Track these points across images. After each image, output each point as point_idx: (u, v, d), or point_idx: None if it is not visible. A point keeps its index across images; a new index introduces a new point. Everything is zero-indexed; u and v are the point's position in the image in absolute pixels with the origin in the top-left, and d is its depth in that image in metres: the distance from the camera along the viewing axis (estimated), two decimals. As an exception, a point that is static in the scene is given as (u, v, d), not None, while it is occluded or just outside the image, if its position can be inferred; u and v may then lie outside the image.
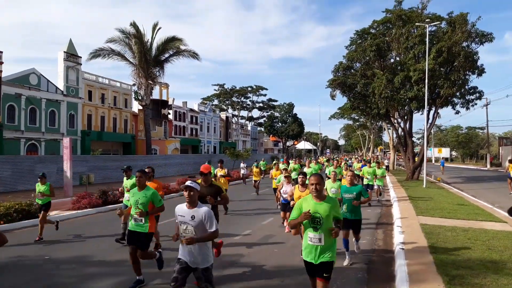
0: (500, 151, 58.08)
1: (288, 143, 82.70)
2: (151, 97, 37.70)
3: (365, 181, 16.31)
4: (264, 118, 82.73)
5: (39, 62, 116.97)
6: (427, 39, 23.26)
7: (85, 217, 12.77)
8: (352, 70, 29.87)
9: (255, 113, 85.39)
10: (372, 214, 13.14)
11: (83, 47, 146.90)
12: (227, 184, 14.82)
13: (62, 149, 26.17)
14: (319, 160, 33.77)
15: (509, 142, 52.75)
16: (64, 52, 35.75)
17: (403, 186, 22.40)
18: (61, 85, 35.47)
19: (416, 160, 28.55)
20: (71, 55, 36.41)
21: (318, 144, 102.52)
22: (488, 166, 51.89)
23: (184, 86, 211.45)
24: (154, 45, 35.67)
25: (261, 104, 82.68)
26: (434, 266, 6.54)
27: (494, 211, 13.16)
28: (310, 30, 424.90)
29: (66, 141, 19.19)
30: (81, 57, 37.31)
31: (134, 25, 33.92)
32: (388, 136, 55.48)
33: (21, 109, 31.58)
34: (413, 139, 36.42)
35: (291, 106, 78.19)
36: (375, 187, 16.62)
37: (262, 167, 24.32)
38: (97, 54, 33.79)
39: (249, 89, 79.17)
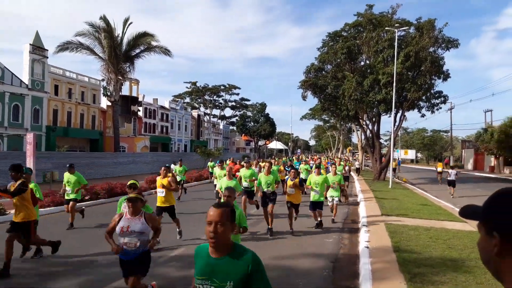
0: (463, 154, 60.46)
1: (260, 143, 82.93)
2: (120, 93, 36.88)
3: (312, 197, 10.70)
4: (237, 117, 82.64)
5: (2, 54, 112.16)
6: (395, 44, 23.91)
7: (48, 215, 12.35)
8: (324, 72, 30.32)
9: (228, 112, 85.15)
10: (339, 213, 13.36)
11: (51, 40, 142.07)
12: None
13: (25, 145, 25.19)
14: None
15: (471, 145, 54.97)
16: (30, 44, 34.44)
17: (370, 186, 22.93)
18: (26, 78, 34.14)
19: (383, 161, 29.29)
20: (38, 48, 35.12)
21: (290, 144, 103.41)
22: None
23: (155, 83, 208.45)
24: (125, 40, 34.92)
25: (233, 103, 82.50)
26: (396, 264, 6.74)
27: (455, 211, 13.67)
28: (285, 30, 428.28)
29: (29, 137, 18.47)
30: (47, 50, 36.03)
31: (104, 18, 33.08)
32: (357, 137, 56.62)
33: (-19, 102, 30.18)
34: (381, 140, 37.34)
35: (263, 106, 78.45)
36: (331, 202, 11.97)
37: (209, 169, 22.16)
38: (64, 47, 32.72)
39: (222, 87, 78.83)
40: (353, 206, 15.65)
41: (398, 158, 33.24)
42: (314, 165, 14.38)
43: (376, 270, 6.43)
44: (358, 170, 34.52)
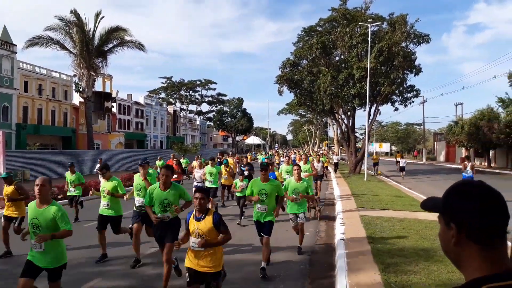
0: (435, 146, 62.12)
1: (237, 138, 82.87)
2: (93, 89, 36.05)
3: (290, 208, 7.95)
4: (213, 113, 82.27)
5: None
6: (369, 39, 24.28)
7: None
8: (299, 67, 30.51)
9: (204, 107, 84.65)
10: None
11: (20, 35, 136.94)
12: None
13: (-7, 143, 24.28)
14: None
15: (443, 138, 56.52)
16: (-3, 39, 33.15)
17: (345, 179, 23.29)
18: (-7, 74, 32.87)
19: (358, 155, 29.79)
20: (5, 43, 33.83)
21: (267, 139, 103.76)
22: (424, 160, 55.31)
23: (129, 78, 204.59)
24: (97, 35, 34.09)
25: (210, 98, 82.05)
26: (371, 255, 6.89)
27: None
28: (260, 25, 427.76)
29: (-2, 135, 17.85)
30: (16, 45, 34.76)
31: (75, 12, 32.18)
32: (333, 131, 57.33)
33: None
34: (356, 134, 37.94)
35: (240, 101, 78.36)
36: (294, 221, 7.89)
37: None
38: (34, 42, 31.68)
39: (198, 82, 78.22)
40: (330, 200, 15.86)
41: (397, 156, 33.23)
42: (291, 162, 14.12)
43: (352, 261, 6.55)
44: (336, 165, 32.15)
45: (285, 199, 7.57)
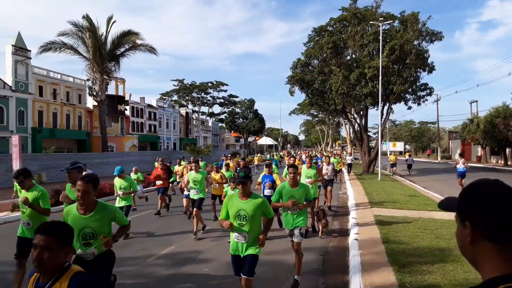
0: (450, 145, 61.23)
1: (249, 139, 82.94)
2: (106, 93, 36.52)
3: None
4: (225, 114, 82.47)
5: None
6: (380, 37, 24.06)
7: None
8: (310, 67, 30.39)
9: (216, 109, 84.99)
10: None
11: (33, 41, 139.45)
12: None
13: (11, 147, 24.80)
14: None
15: (458, 136, 55.70)
16: (12, 45, 33.76)
17: (359, 179, 23.10)
18: (9, 80, 33.50)
19: (371, 154, 29.52)
20: (20, 49, 34.47)
21: (279, 139, 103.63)
22: (439, 159, 54.56)
23: (142, 81, 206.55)
24: (109, 39, 34.54)
25: (221, 100, 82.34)
26: (385, 256, 6.81)
27: (443, 201, 13.83)
28: (271, 26, 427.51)
29: (15, 139, 18.28)
30: (30, 50, 35.39)
31: (87, 17, 32.64)
32: (345, 131, 56.97)
33: (-36, 105, 29.56)
34: (369, 133, 37.62)
35: (252, 102, 78.36)
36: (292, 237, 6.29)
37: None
38: (48, 47, 32.25)
39: (210, 84, 78.58)
40: (343, 199, 15.75)
41: (406, 155, 32.71)
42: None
43: (365, 261, 6.49)
44: (350, 166, 29.44)
45: (280, 210, 6.32)
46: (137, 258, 7.47)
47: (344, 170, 28.15)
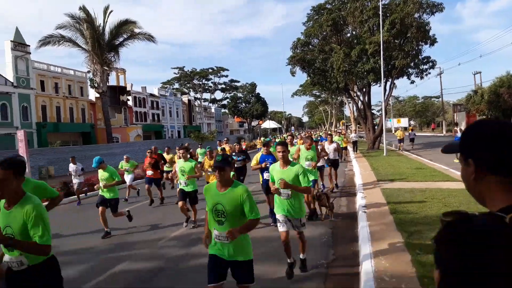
0: (455, 117, 60.83)
1: (253, 123, 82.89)
2: (108, 84, 36.53)
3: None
4: (228, 99, 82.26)
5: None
6: (380, 12, 23.71)
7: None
8: (310, 46, 30.11)
9: (218, 95, 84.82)
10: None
11: (32, 35, 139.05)
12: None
13: (17, 143, 24.98)
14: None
15: (462, 108, 55.25)
16: (11, 41, 33.72)
17: (364, 155, 23.12)
18: (10, 76, 33.56)
19: (376, 131, 29.44)
20: (19, 44, 34.42)
21: (283, 122, 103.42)
22: (444, 132, 54.33)
23: (142, 71, 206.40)
24: (107, 29, 34.39)
25: (223, 86, 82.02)
26: (394, 225, 6.87)
27: (450, 172, 13.87)
28: (269, 8, 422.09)
29: (20, 134, 18.33)
30: (29, 45, 35.33)
31: (83, 9, 32.42)
32: (349, 109, 56.75)
33: (-32, 104, 29.71)
34: (373, 111, 37.44)
35: (253, 86, 78.05)
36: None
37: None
38: (46, 41, 32.17)
39: (210, 70, 78.18)
40: (349, 176, 15.79)
41: (409, 130, 32.42)
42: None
43: (374, 231, 6.56)
44: (355, 144, 27.99)
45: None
46: (148, 241, 7.59)
47: (350, 148, 28.01)
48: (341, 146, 19.47)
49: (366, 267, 4.94)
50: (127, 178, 12.98)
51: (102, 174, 8.28)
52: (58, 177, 19.83)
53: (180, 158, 8.86)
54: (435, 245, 0.98)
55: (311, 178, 8.24)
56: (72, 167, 13.58)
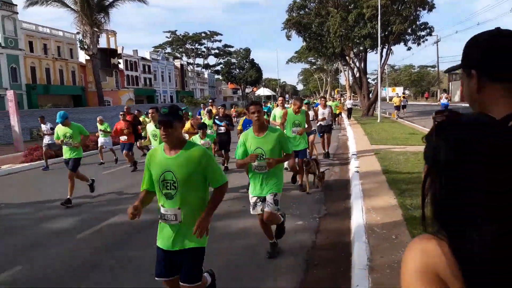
0: (450, 86, 60.76)
1: (247, 90, 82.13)
2: (98, 46, 35.53)
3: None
4: (221, 65, 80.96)
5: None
6: (379, -26, 23.02)
7: (38, 168, 12.30)
8: (307, 9, 29.37)
9: (211, 60, 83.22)
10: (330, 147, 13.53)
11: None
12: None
13: (6, 103, 24.52)
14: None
15: (458, 77, 55.08)
16: (-3, -1, 32.48)
17: (359, 122, 23.11)
18: (-3, 37, 32.56)
19: (371, 98, 29.31)
20: (5, 3, 33.17)
21: (277, 89, 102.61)
22: (438, 101, 54.30)
23: (133, 36, 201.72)
24: (97, -12, 33.08)
25: (216, 51, 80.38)
26: (386, 184, 6.91)
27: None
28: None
29: (10, 94, 17.95)
30: (16, 5, 34.13)
31: (71, -35, 31.06)
32: (344, 77, 56.29)
33: (-46, 63, 28.92)
34: (368, 80, 37.07)
35: (247, 51, 76.67)
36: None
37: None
38: (34, 1, 30.96)
39: (203, 35, 76.37)
40: (343, 140, 15.81)
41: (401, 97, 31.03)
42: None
43: (367, 189, 6.59)
44: (350, 112, 27.79)
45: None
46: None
47: (344, 115, 27.77)
48: (335, 112, 19.40)
49: (358, 220, 4.97)
50: (104, 140, 12.37)
51: (66, 130, 7.40)
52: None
53: (151, 121, 7.85)
54: (424, 141, 0.90)
55: (301, 147, 7.47)
56: (43, 127, 12.94)
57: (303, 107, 8.29)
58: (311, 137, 9.47)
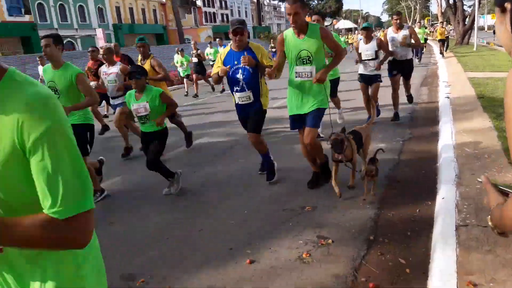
0: None
1: (326, 23, 78.20)
2: (175, -18, 35.74)
3: None
4: (298, -3, 77.31)
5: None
6: None
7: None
8: None
9: (288, -8, 79.68)
10: (416, 75, 12.52)
11: None
12: None
13: (97, 43, 26.26)
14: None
15: None
16: None
17: (451, 50, 20.99)
18: (84, -23, 34.25)
19: (466, 24, 26.20)
20: None
21: (359, 21, 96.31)
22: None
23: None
24: None
25: (294, -19, 76.61)
26: (481, 108, 6.32)
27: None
28: None
29: (99, 32, 19.20)
30: None
31: None
32: (436, 3, 50.82)
33: (50, 6, 31.23)
34: (464, 8, 32.86)
35: (326, -21, 71.92)
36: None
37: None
38: None
39: (280, -36, 72.77)
40: (432, 69, 14.58)
41: None
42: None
43: (458, 112, 6.10)
44: (444, 42, 19.07)
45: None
46: (223, 122, 7.82)
47: (435, 46, 24.07)
48: (421, 40, 16.01)
49: (446, 141, 4.64)
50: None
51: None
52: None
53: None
54: None
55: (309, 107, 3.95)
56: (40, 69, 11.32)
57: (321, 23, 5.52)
58: (375, 86, 6.45)
